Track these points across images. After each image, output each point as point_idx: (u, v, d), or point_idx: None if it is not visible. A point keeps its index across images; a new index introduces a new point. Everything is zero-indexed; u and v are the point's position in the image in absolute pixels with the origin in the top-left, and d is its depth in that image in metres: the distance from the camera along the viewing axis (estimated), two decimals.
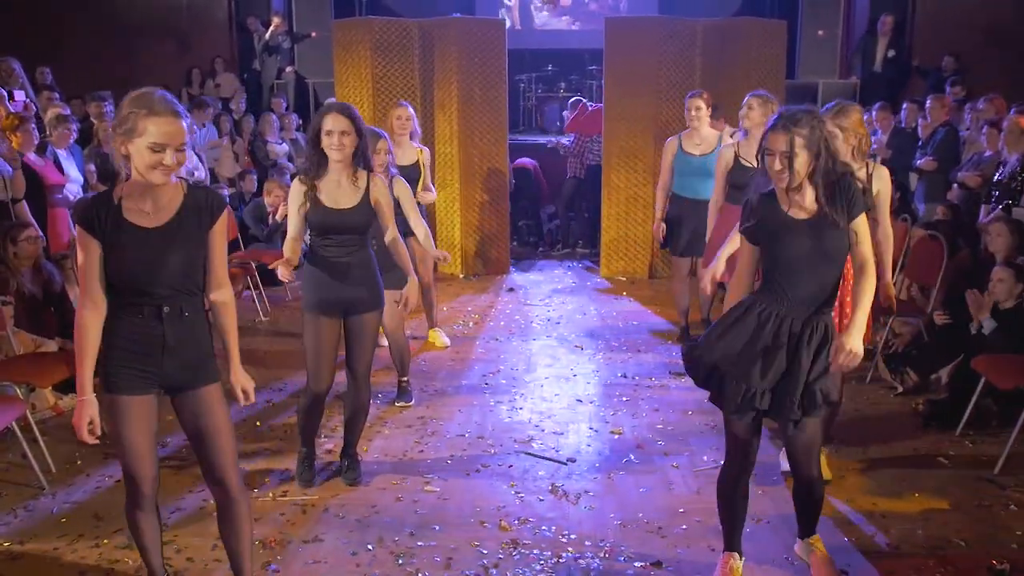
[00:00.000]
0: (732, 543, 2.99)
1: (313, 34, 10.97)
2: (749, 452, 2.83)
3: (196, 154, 8.10)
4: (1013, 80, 8.88)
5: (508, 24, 9.37)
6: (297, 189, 3.47)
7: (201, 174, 7.94)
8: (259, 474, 3.87)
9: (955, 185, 6.34)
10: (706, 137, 5.46)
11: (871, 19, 10.69)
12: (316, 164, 3.44)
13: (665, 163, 5.56)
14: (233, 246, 7.26)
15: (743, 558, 3.01)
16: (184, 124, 2.41)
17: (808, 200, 2.64)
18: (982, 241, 5.26)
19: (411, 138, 5.42)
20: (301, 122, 10.15)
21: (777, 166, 2.58)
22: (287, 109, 9.90)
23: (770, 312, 2.67)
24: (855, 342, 2.58)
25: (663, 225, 5.59)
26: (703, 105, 5.36)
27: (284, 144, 9.01)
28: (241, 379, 2.71)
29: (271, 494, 3.68)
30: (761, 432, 2.86)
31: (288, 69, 10.90)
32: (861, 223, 2.66)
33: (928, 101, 7.09)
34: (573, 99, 9.39)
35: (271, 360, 5.53)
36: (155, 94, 2.37)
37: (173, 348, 2.49)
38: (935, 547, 3.24)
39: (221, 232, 2.52)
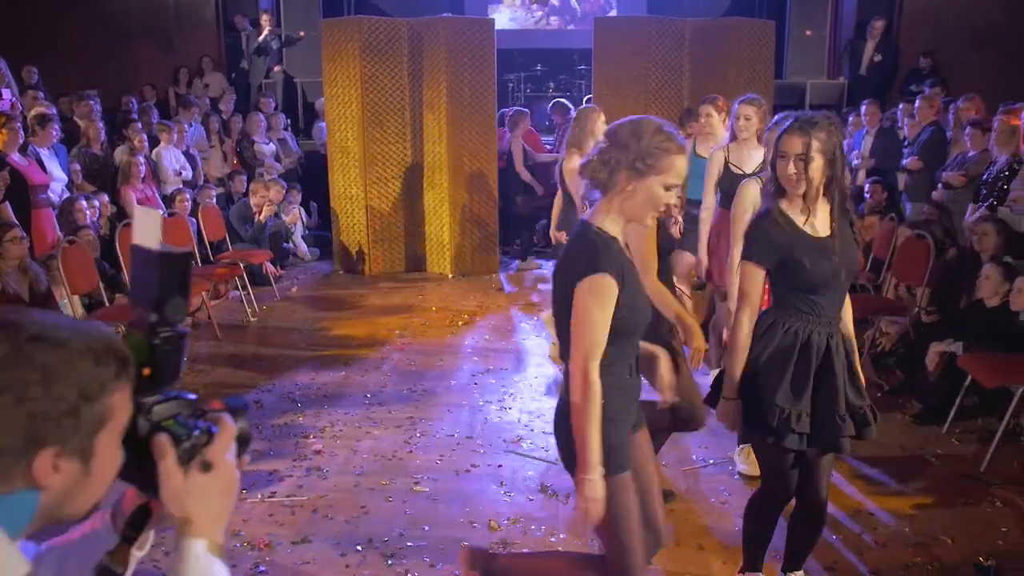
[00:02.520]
0: (753, 564, 2.87)
1: (302, 34, 10.93)
2: (789, 483, 2.65)
3: (187, 154, 8.07)
4: (998, 81, 8.94)
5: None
6: None
7: (189, 173, 7.90)
8: (248, 474, 3.85)
9: (940, 185, 6.38)
10: (719, 141, 5.46)
11: (859, 21, 10.75)
12: None
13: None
14: (220, 247, 7.24)
15: None
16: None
17: (824, 214, 2.49)
18: (967, 240, 5.29)
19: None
20: (289, 122, 10.12)
21: (791, 170, 2.41)
22: (275, 109, 9.86)
23: (796, 330, 2.50)
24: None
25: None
26: (714, 112, 5.34)
27: (271, 144, 8.98)
28: None
29: (259, 495, 3.66)
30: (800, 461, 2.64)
31: (276, 69, 10.85)
32: None
33: (917, 101, 7.13)
34: (554, 103, 9.09)
35: (260, 360, 5.51)
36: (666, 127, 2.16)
37: None
38: (922, 544, 3.26)
39: None
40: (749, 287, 2.54)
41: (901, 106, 7.89)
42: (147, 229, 1.16)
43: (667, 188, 2.10)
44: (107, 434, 1.03)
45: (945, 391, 4.37)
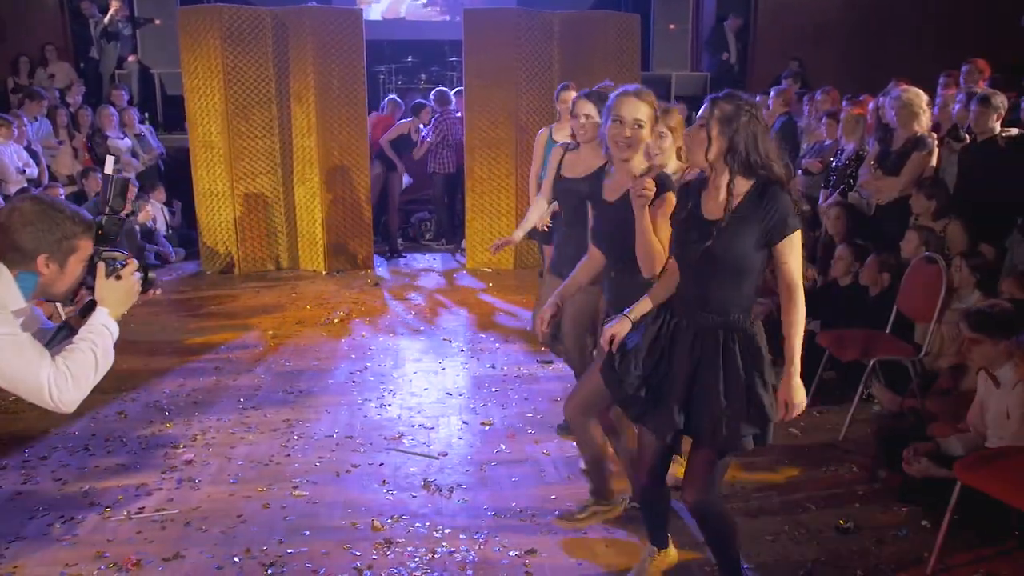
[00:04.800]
0: (655, 538, 2.94)
1: (157, 21, 10.35)
2: (642, 466, 2.75)
3: (30, 150, 7.49)
4: (843, 73, 9.57)
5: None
6: None
7: (33, 171, 7.34)
8: (111, 491, 3.63)
9: (799, 172, 6.74)
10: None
11: (718, 16, 11.24)
12: None
13: (536, 153, 5.56)
14: None
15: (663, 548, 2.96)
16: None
17: (721, 196, 2.42)
18: (822, 224, 5.61)
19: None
20: (147, 115, 9.57)
21: (686, 134, 2.53)
22: (129, 101, 9.30)
23: (662, 309, 2.60)
24: (797, 394, 2.44)
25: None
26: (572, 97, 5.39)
27: (127, 139, 8.47)
28: None
29: (125, 512, 3.45)
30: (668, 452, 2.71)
31: (130, 59, 10.23)
32: (786, 244, 2.39)
33: (772, 93, 7.50)
34: (436, 91, 9.05)
35: (122, 368, 5.19)
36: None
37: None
38: (789, 512, 3.45)
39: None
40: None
41: (758, 98, 8.29)
42: (109, 166, 2.44)
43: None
44: (75, 258, 2.26)
45: (805, 367, 4.61)
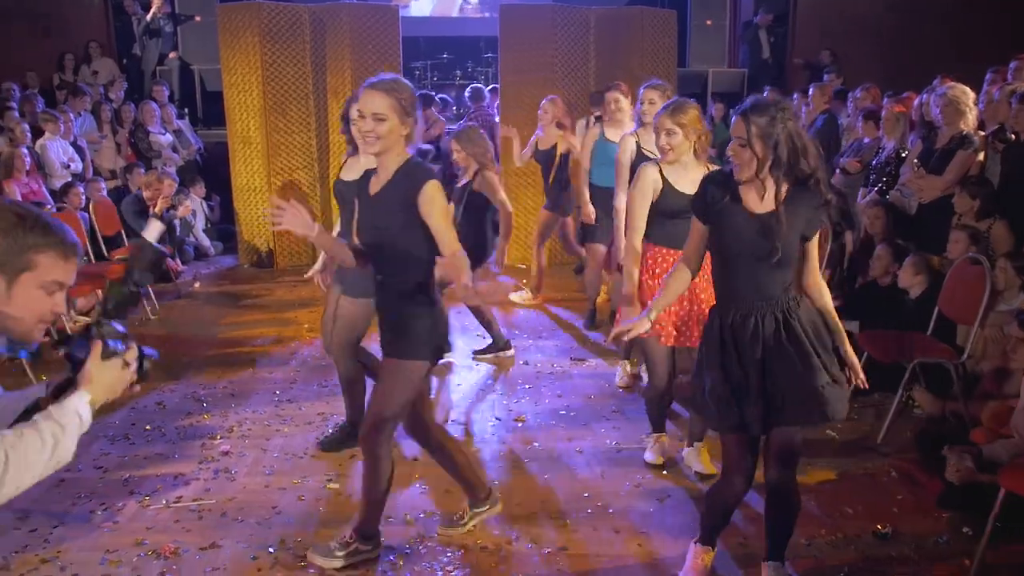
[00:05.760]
0: (706, 538, 2.93)
1: (197, 18, 10.49)
2: (734, 464, 2.70)
3: (75, 145, 7.64)
4: (884, 68, 9.38)
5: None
6: None
7: (78, 166, 7.49)
8: (150, 479, 3.69)
9: (837, 171, 6.64)
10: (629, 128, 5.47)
11: (756, 11, 11.09)
12: None
13: (585, 151, 5.55)
14: (115, 241, 6.91)
15: (715, 550, 2.97)
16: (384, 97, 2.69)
17: (768, 195, 2.53)
18: (862, 224, 5.52)
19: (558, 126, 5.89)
20: (186, 111, 9.71)
21: (730, 152, 2.52)
22: (170, 97, 9.45)
23: (715, 316, 2.64)
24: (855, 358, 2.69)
25: (590, 208, 5.53)
26: (621, 97, 5.37)
27: (168, 135, 8.61)
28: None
29: (164, 501, 3.51)
30: (757, 450, 2.71)
31: (171, 55, 10.39)
32: (813, 244, 2.60)
33: (811, 89, 7.39)
34: (472, 88, 9.09)
35: (161, 359, 5.26)
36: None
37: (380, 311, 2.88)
38: (826, 516, 3.39)
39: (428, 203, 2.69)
40: (689, 236, 2.73)
41: (796, 95, 8.18)
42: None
43: None
44: (29, 276, 1.61)
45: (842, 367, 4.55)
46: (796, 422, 2.61)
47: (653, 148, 4.51)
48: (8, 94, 8.11)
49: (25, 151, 6.65)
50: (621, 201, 4.45)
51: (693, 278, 2.78)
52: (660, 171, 3.49)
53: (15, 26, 10.08)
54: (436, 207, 2.70)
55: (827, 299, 2.68)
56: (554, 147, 6.10)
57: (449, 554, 3.12)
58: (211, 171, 8.86)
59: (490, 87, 9.05)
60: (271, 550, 3.15)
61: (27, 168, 6.62)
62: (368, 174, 2.91)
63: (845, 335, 2.67)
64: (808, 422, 2.63)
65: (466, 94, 8.83)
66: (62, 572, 3.02)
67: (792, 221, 2.51)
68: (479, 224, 4.97)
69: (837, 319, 2.67)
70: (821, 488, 3.63)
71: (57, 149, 7.31)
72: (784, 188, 2.50)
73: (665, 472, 3.73)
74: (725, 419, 2.61)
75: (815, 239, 2.60)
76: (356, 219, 3.01)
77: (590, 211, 5.44)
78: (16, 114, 7.03)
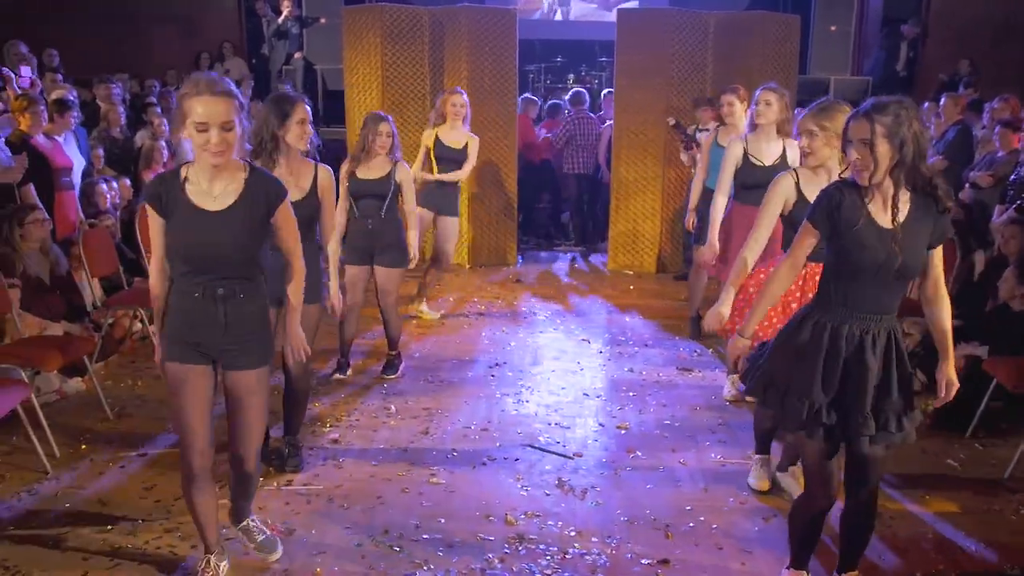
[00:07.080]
0: (797, 562, 2.85)
1: (322, 20, 10.91)
2: (824, 480, 2.62)
3: None
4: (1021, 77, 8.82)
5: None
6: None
7: None
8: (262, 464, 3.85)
9: (967, 185, 6.28)
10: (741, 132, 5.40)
11: (885, 17, 10.63)
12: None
13: (703, 156, 5.55)
14: None
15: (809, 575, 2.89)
16: (229, 103, 2.47)
17: (892, 205, 2.42)
18: (995, 242, 5.21)
19: (463, 123, 5.90)
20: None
21: (854, 155, 2.39)
22: None
23: (825, 322, 2.51)
24: (952, 373, 2.61)
25: (694, 216, 5.57)
26: (736, 101, 5.28)
27: None
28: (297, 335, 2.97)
29: (275, 483, 3.66)
30: (840, 460, 2.64)
31: (296, 55, 10.84)
32: (938, 254, 2.51)
33: (943, 100, 7.03)
34: (573, 92, 9.09)
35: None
36: (201, 76, 2.48)
37: (229, 326, 2.64)
38: (944, 551, 3.21)
39: (284, 216, 2.68)
40: (797, 242, 2.60)
41: (926, 105, 7.79)
42: None
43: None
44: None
45: (968, 395, 4.30)
46: (873, 436, 2.52)
47: (761, 154, 4.41)
48: (150, 91, 8.65)
49: (163, 144, 7.06)
50: (720, 202, 4.51)
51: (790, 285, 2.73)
52: (796, 181, 3.29)
53: (157, 28, 10.78)
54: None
55: (946, 313, 2.57)
56: None
57: (548, 558, 3.12)
58: (329, 167, 9.15)
59: (605, 91, 9.02)
60: (374, 539, 3.23)
61: (164, 160, 7.03)
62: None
63: (952, 353, 2.60)
64: (882, 439, 2.54)
65: (565, 98, 8.84)
66: (182, 542, 3.19)
67: (918, 230, 2.43)
68: None
69: (949, 340, 2.58)
70: (938, 519, 3.44)
71: (189, 142, 7.72)
72: (906, 196, 2.40)
73: (771, 491, 3.62)
74: (803, 423, 2.55)
75: (939, 249, 2.51)
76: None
77: (691, 219, 5.63)
78: (159, 109, 7.47)
